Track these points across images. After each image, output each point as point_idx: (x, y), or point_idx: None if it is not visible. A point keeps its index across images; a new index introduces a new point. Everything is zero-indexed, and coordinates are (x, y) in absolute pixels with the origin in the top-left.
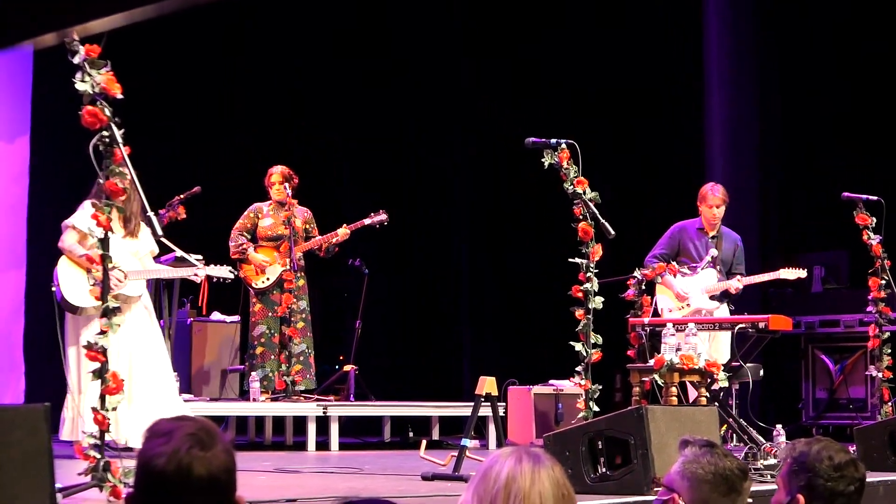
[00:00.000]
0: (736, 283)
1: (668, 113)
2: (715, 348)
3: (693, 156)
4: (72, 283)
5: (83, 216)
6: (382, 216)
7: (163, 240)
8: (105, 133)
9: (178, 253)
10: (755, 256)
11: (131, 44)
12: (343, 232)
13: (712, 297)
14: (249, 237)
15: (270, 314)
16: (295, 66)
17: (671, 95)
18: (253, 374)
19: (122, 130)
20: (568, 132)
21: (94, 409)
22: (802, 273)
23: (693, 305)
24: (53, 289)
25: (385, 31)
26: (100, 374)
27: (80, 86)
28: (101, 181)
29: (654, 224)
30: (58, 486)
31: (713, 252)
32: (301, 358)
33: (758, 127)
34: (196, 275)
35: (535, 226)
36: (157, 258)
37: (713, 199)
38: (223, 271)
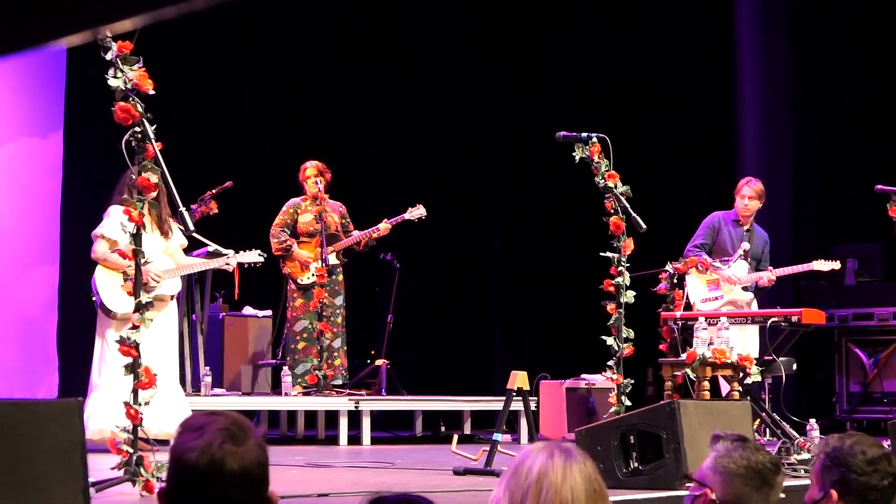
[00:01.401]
0: (768, 275)
1: (700, 107)
2: (744, 342)
3: (725, 150)
4: (110, 289)
5: (110, 224)
6: (421, 210)
7: (194, 234)
8: (137, 129)
9: (212, 247)
10: (788, 249)
11: (164, 39)
12: (384, 227)
13: (743, 289)
14: (289, 233)
15: (311, 309)
16: (327, 62)
17: (704, 89)
18: (285, 368)
19: (154, 126)
20: (598, 126)
21: (126, 404)
22: (836, 265)
23: (727, 297)
24: (94, 298)
25: (402, 26)
26: (132, 368)
27: (112, 82)
28: (129, 182)
29: (686, 218)
30: (90, 480)
31: (745, 245)
32: (336, 353)
33: (791, 120)
34: (228, 264)
35: (567, 220)
36: (188, 254)
37: (748, 190)
38: (253, 256)
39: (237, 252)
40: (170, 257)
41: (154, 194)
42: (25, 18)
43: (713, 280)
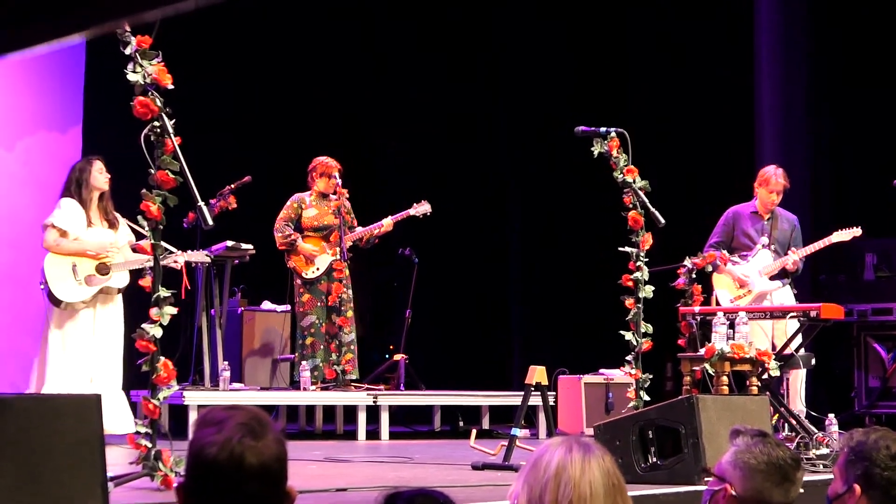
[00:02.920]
0: (793, 258)
1: (717, 100)
2: (781, 334)
3: (743, 144)
4: (58, 278)
5: (61, 214)
6: (426, 206)
7: (132, 225)
8: (156, 123)
9: (165, 245)
10: (807, 243)
11: (181, 33)
12: (388, 223)
13: (771, 278)
14: (293, 227)
15: (319, 304)
16: (341, 57)
17: (720, 82)
18: (304, 363)
19: (173, 121)
20: (615, 119)
21: (144, 399)
22: (857, 231)
23: (756, 289)
24: (42, 286)
25: (428, 21)
26: (151, 363)
27: (131, 76)
28: (75, 176)
29: (705, 213)
30: (109, 474)
31: (763, 240)
32: (352, 347)
33: (808, 113)
34: (176, 262)
35: (585, 214)
36: (208, 248)
37: (775, 184)
38: (200, 256)
39: (184, 251)
40: (119, 252)
41: (103, 191)
42: (45, 12)
43: (736, 278)
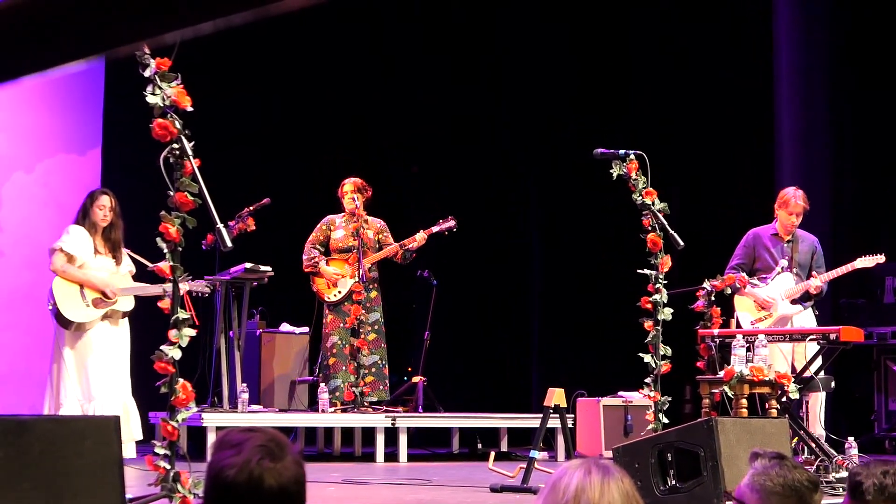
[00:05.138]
0: (815, 282)
1: (737, 123)
2: (801, 357)
3: (763, 168)
4: (67, 300)
5: (69, 240)
6: (451, 223)
7: (134, 255)
8: (175, 145)
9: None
10: (828, 265)
11: (201, 55)
12: (421, 236)
13: (793, 302)
14: (322, 250)
15: (342, 325)
16: (362, 78)
17: (741, 104)
18: (322, 385)
19: (193, 143)
20: (633, 143)
21: (163, 420)
22: (881, 258)
23: (778, 312)
24: (50, 307)
25: (449, 41)
26: (169, 385)
27: (150, 99)
28: (87, 205)
29: (724, 235)
30: (128, 496)
31: (783, 263)
32: (373, 370)
33: (829, 137)
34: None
35: (606, 237)
36: (225, 270)
37: (795, 206)
38: (201, 286)
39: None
40: (122, 278)
41: (107, 224)
42: (64, 34)
43: (759, 300)
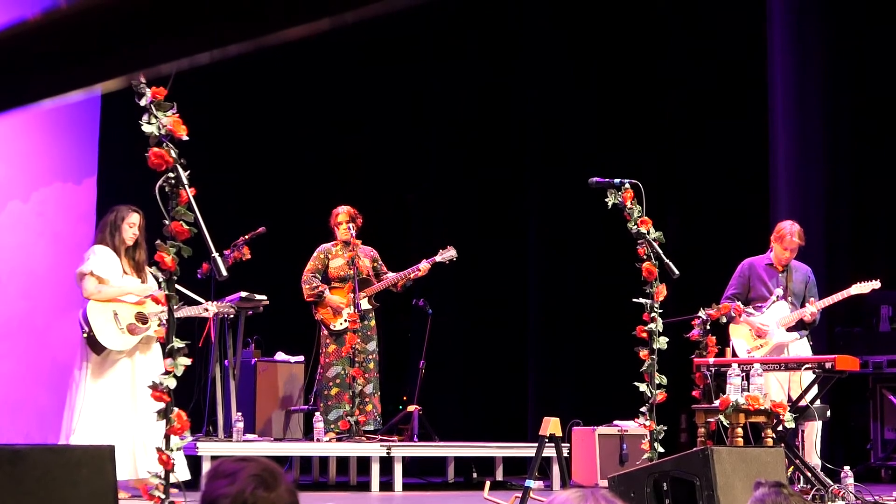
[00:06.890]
0: (810, 309)
1: (732, 149)
2: (796, 385)
3: (759, 194)
4: (102, 325)
5: (97, 261)
6: (452, 252)
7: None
8: (171, 174)
9: (186, 292)
10: (822, 294)
11: (197, 83)
12: (425, 266)
13: (788, 330)
14: (320, 278)
15: (343, 355)
16: (358, 106)
17: (735, 130)
18: (317, 414)
19: (188, 172)
20: (626, 170)
21: (158, 450)
22: (876, 284)
23: (773, 340)
24: (85, 335)
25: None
26: (165, 414)
27: (146, 128)
28: (109, 222)
29: (719, 264)
30: None
31: (778, 292)
32: (366, 398)
33: (824, 163)
34: (206, 309)
35: (602, 265)
36: (220, 299)
37: (790, 242)
38: (226, 306)
39: (212, 301)
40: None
41: (130, 245)
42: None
43: (755, 327)
